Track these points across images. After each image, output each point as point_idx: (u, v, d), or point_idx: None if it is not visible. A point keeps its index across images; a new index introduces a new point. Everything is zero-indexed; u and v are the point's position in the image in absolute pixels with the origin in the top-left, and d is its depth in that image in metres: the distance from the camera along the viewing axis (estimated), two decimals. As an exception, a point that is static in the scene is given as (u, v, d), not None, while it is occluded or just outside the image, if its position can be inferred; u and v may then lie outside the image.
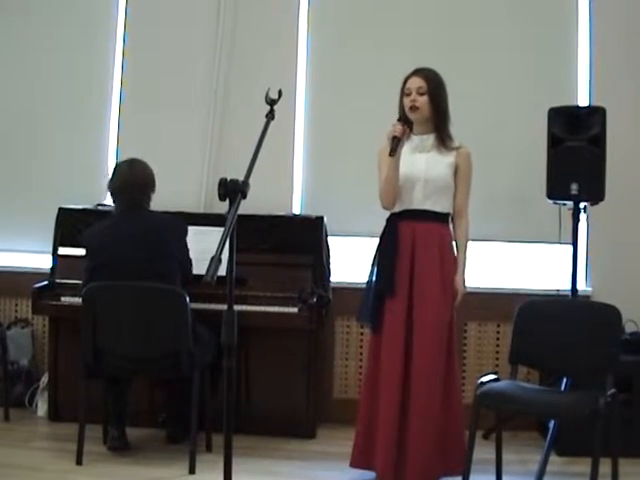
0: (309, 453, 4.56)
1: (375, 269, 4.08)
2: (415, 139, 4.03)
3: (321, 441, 4.78)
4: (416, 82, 4.01)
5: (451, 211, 4.09)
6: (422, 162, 4.02)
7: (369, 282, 4.10)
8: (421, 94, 3.99)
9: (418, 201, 4.01)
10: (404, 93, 4.03)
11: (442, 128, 4.05)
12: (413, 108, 3.98)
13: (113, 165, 5.35)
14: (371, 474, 4.05)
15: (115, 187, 4.42)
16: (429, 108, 4.00)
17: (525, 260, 5.23)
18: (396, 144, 3.89)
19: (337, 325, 5.19)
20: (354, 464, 4.13)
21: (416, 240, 4.00)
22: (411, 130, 4.02)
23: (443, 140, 4.04)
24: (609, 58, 5.05)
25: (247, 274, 4.55)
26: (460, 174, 4.07)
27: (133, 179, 4.39)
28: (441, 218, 4.05)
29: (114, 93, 5.46)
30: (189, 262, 4.41)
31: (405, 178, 3.99)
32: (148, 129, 5.33)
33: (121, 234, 4.32)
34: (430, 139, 4.06)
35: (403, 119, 3.97)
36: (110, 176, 4.48)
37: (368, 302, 4.08)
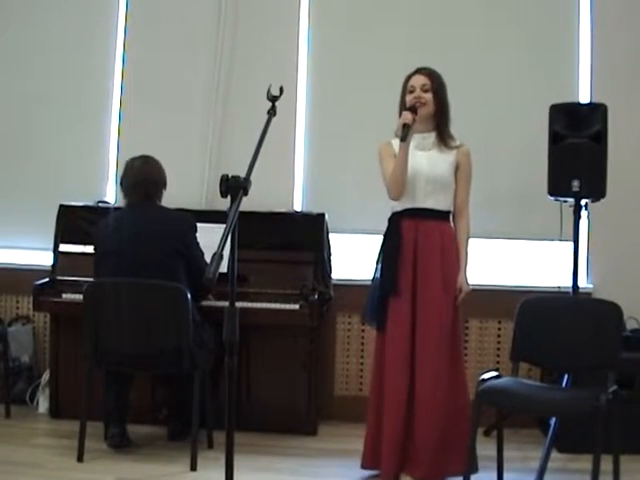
0: (310, 450, 4.56)
1: (379, 268, 4.10)
2: (416, 137, 4.04)
3: (322, 438, 4.78)
4: (420, 80, 4.03)
5: (451, 208, 4.11)
6: (424, 160, 4.04)
7: (374, 279, 4.12)
8: (425, 91, 4.02)
9: (420, 199, 4.03)
10: (407, 91, 4.05)
11: (443, 126, 4.08)
12: (418, 103, 3.98)
13: (115, 161, 5.41)
14: (376, 472, 4.07)
15: (129, 181, 4.45)
16: (433, 105, 4.03)
17: (526, 257, 5.23)
18: (406, 131, 3.91)
19: (338, 322, 5.20)
20: (366, 465, 4.12)
21: (418, 238, 4.02)
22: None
23: (444, 139, 4.08)
24: (610, 55, 5.05)
25: (248, 271, 4.55)
26: (461, 172, 4.09)
27: (148, 174, 4.44)
28: (442, 216, 4.07)
29: (115, 90, 5.46)
30: (198, 258, 4.36)
31: (407, 176, 4.00)
32: (149, 126, 5.33)
33: (126, 225, 4.36)
34: (431, 137, 4.08)
35: (411, 108, 3.97)
36: (123, 171, 4.50)
37: (373, 302, 4.10)
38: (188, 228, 4.42)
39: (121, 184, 4.50)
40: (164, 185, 4.52)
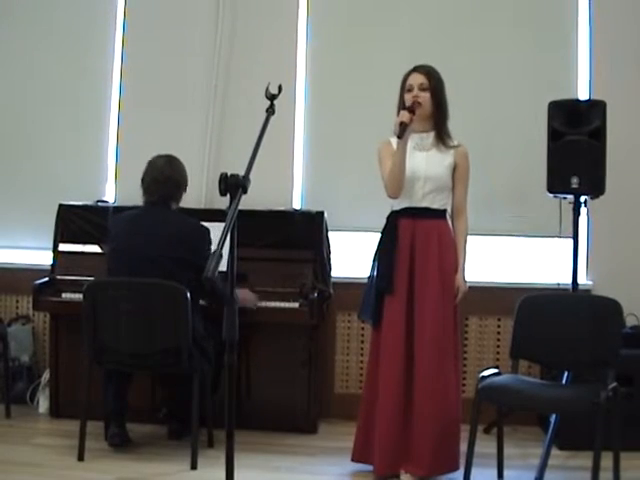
0: (310, 448, 4.56)
1: (375, 266, 4.11)
2: (415, 137, 4.04)
3: (322, 436, 4.79)
4: (418, 78, 4.03)
5: (449, 207, 4.11)
6: (422, 160, 4.04)
7: (370, 277, 4.13)
8: (423, 90, 4.01)
9: (417, 199, 4.03)
10: (405, 89, 4.05)
11: (441, 125, 4.08)
12: (416, 104, 3.98)
13: (114, 161, 5.41)
14: (371, 468, 4.07)
15: (149, 179, 4.43)
16: (431, 104, 4.02)
17: (526, 254, 5.23)
18: (403, 129, 3.91)
19: (338, 320, 5.19)
20: (355, 458, 4.16)
21: (415, 237, 4.02)
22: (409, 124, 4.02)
23: (442, 138, 4.08)
24: (609, 51, 5.04)
25: (248, 269, 4.54)
26: (459, 173, 4.10)
27: (170, 174, 4.42)
28: (439, 214, 4.08)
29: (114, 89, 5.45)
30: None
31: (405, 176, 4.00)
32: (148, 124, 5.33)
33: (140, 225, 4.34)
34: (430, 137, 4.09)
35: (409, 107, 3.96)
36: (145, 168, 4.46)
37: (369, 299, 4.10)
38: (203, 240, 4.29)
39: (142, 181, 4.45)
40: (185, 187, 4.51)
